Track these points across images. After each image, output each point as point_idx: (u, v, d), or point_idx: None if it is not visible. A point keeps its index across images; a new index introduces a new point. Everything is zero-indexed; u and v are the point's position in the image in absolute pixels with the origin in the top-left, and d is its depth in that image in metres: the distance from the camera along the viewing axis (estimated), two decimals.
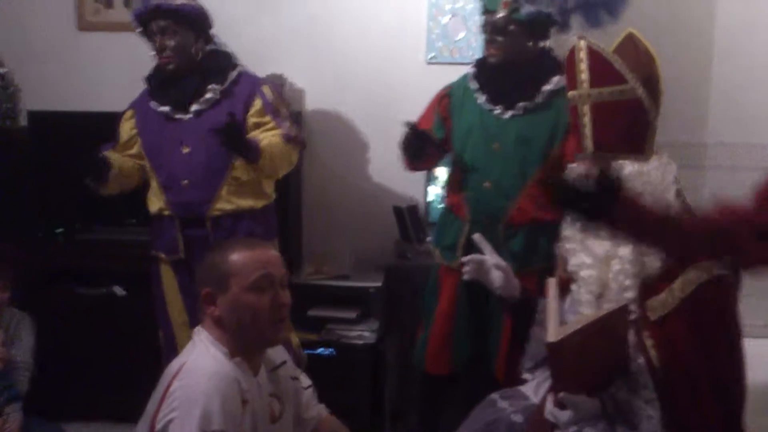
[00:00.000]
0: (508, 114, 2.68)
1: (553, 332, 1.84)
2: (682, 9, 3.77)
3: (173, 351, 2.66)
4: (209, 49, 2.79)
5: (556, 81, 2.65)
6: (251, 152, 2.65)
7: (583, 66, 1.96)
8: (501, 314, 2.67)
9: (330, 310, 3.27)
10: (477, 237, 2.31)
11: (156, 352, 3.06)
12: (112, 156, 2.81)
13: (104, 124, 3.36)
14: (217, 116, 2.67)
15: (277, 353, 1.97)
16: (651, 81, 1.97)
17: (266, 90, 2.79)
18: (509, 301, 2.26)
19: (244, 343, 1.81)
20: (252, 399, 1.78)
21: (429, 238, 3.22)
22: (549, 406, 1.89)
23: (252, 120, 2.75)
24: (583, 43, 1.96)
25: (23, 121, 3.57)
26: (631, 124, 1.98)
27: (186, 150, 2.73)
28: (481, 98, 2.71)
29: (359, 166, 3.52)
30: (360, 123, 3.52)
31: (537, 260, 2.69)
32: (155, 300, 2.92)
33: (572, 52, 1.98)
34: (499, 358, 2.74)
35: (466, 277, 2.28)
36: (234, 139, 2.60)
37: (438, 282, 2.83)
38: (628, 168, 1.96)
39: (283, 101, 2.85)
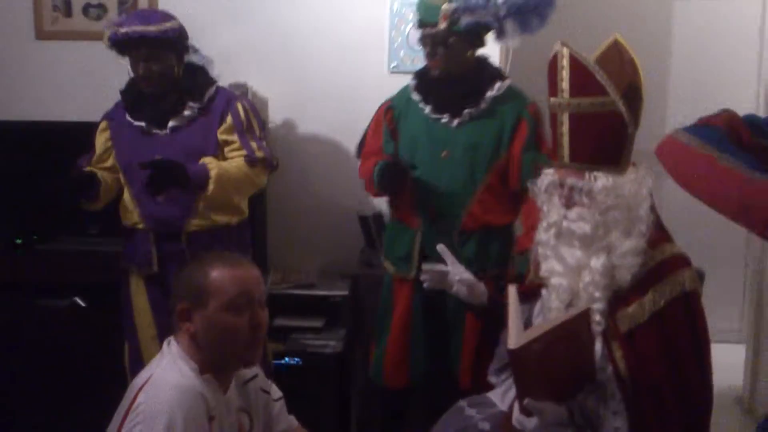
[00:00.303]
0: (455, 122, 2.70)
1: (514, 338, 1.83)
2: (639, 16, 3.85)
3: (140, 364, 2.62)
4: (187, 63, 2.77)
5: (498, 86, 2.71)
6: (193, 183, 2.61)
7: (565, 74, 1.93)
8: (460, 322, 2.70)
9: (296, 319, 3.25)
10: (441, 248, 2.32)
11: (118, 365, 3.02)
12: (94, 170, 2.77)
13: (62, 134, 3.36)
14: (193, 133, 2.69)
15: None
16: (632, 92, 1.95)
17: (239, 107, 2.77)
18: (477, 307, 2.27)
19: (218, 361, 1.78)
20: (219, 416, 1.76)
21: None
22: (516, 413, 1.90)
23: (221, 137, 2.74)
24: (565, 51, 1.93)
25: None
26: (609, 137, 1.96)
27: None
28: (426, 108, 2.73)
29: (324, 175, 3.51)
30: (324, 132, 3.52)
31: (490, 265, 2.73)
32: (123, 312, 2.88)
33: (554, 58, 1.96)
34: (462, 365, 2.76)
35: (426, 285, 2.29)
36: (164, 177, 2.58)
37: (391, 294, 2.84)
38: (601, 181, 1.94)
39: (257, 120, 2.82)
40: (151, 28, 2.62)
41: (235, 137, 2.73)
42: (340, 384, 3.23)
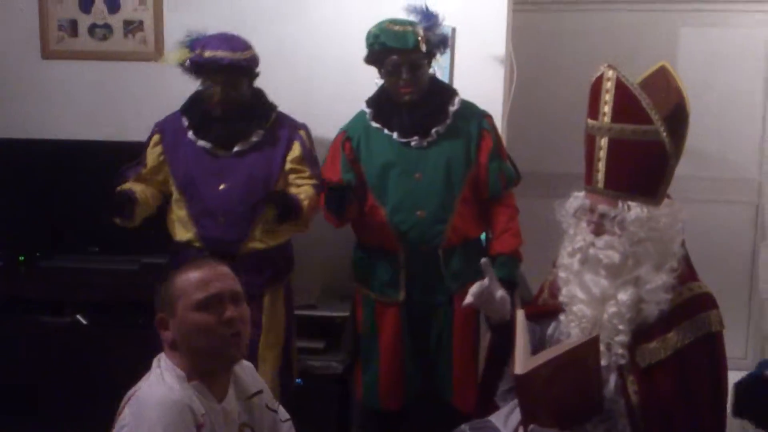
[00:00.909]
0: (425, 142, 2.73)
1: (521, 364, 1.83)
2: (645, 44, 3.87)
3: None
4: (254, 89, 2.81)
5: (457, 101, 2.78)
6: (294, 213, 2.69)
7: (608, 98, 1.87)
8: (448, 340, 2.74)
9: (297, 340, 3.24)
10: (485, 262, 2.19)
11: (118, 381, 3.01)
12: (135, 187, 2.77)
13: (67, 152, 3.38)
14: (257, 158, 2.73)
15: (253, 381, 1.95)
16: (677, 121, 1.89)
17: (304, 135, 2.83)
18: (499, 323, 2.20)
19: (201, 364, 1.79)
20: (211, 423, 1.76)
21: None
22: None
23: (290, 165, 2.79)
24: (612, 73, 1.88)
25: None
26: (648, 166, 1.90)
27: (223, 187, 2.72)
28: (394, 134, 2.74)
29: None
30: (326, 150, 3.50)
31: (471, 277, 2.71)
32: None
33: (599, 80, 1.90)
34: (454, 384, 2.78)
35: (467, 302, 2.18)
36: (285, 209, 2.67)
37: (375, 320, 2.84)
38: (635, 211, 1.90)
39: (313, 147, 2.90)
40: (237, 56, 2.66)
41: (305, 166, 2.79)
42: (340, 404, 3.23)
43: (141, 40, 3.51)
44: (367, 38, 2.70)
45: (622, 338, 1.92)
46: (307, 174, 2.79)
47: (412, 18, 2.73)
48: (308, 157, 2.82)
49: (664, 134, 1.85)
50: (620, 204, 1.91)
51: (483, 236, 2.94)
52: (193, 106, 2.82)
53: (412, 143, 2.73)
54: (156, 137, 2.85)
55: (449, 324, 2.78)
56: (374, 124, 2.78)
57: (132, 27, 3.49)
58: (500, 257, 2.71)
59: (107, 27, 3.51)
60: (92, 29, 3.53)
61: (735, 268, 4.10)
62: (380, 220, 2.76)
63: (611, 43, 3.85)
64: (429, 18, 2.73)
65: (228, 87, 2.68)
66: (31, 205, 3.39)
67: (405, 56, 2.64)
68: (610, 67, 1.89)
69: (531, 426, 1.84)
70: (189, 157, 2.77)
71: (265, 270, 2.79)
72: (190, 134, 2.77)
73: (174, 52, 2.76)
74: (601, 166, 1.91)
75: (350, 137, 2.82)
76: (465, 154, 2.75)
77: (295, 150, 2.80)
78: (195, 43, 2.72)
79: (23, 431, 3.15)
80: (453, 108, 2.76)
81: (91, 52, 3.53)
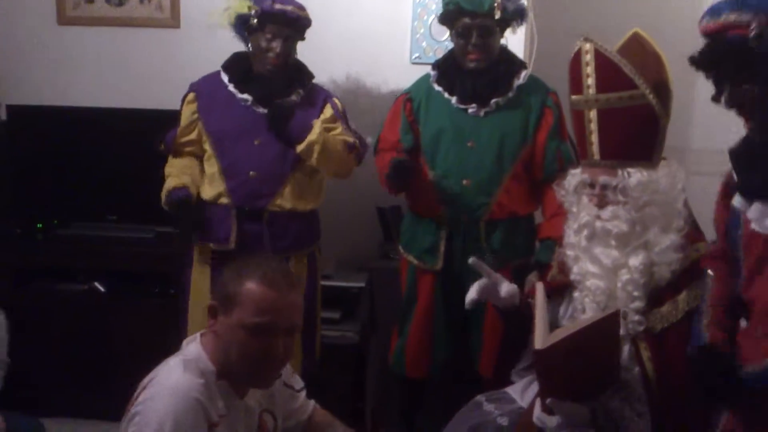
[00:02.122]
0: (482, 112, 2.69)
1: (540, 339, 1.81)
2: (668, 12, 3.79)
3: None
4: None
5: (524, 75, 2.71)
6: (295, 135, 2.67)
7: (590, 70, 1.90)
8: (481, 313, 2.68)
9: None
10: (473, 261, 2.18)
11: (135, 349, 3.04)
12: (182, 181, 2.75)
13: (82, 119, 3.38)
14: (294, 117, 2.71)
15: None
16: (660, 84, 1.92)
17: (336, 101, 2.86)
18: (508, 310, 2.21)
19: (232, 373, 1.74)
20: (229, 422, 1.74)
21: None
22: (537, 411, 1.89)
23: (322, 125, 2.80)
24: (589, 46, 1.90)
25: (2, 115, 3.51)
26: (640, 131, 1.92)
27: (257, 142, 2.73)
28: (452, 99, 2.71)
29: None
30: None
31: (513, 255, 2.73)
32: (179, 292, 2.89)
33: (577, 54, 1.93)
34: (483, 354, 2.76)
35: (470, 299, 2.19)
36: (279, 119, 2.66)
37: (416, 285, 2.83)
38: (636, 176, 1.91)
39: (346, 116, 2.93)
40: (301, 13, 2.73)
41: (337, 125, 2.79)
42: (356, 374, 3.24)
43: (157, 6, 3.49)
44: None
45: (637, 304, 1.92)
46: (338, 131, 2.79)
47: None
48: (340, 116, 2.85)
49: (651, 96, 1.88)
50: (620, 172, 1.92)
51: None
52: (234, 64, 2.83)
53: (470, 110, 2.69)
54: (191, 95, 2.84)
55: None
56: (436, 87, 2.75)
57: None
58: (547, 241, 2.65)
59: None
60: None
61: None
62: (428, 184, 2.74)
63: (634, 6, 3.77)
64: None
65: (289, 42, 2.72)
66: (48, 173, 3.39)
67: (477, 20, 2.59)
68: (586, 40, 1.91)
69: (549, 399, 1.83)
70: (226, 112, 2.78)
71: (289, 231, 2.80)
72: (231, 87, 2.78)
73: (233, 4, 2.73)
74: (594, 138, 1.93)
75: (412, 98, 2.80)
76: (522, 129, 2.70)
77: (327, 111, 2.83)
78: None
79: (40, 398, 3.18)
80: (518, 81, 2.70)
81: (107, 18, 3.52)
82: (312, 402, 2.08)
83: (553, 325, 2.05)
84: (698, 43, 1.69)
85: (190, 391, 1.68)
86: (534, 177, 2.74)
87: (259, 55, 2.73)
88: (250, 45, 2.77)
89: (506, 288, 2.16)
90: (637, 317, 1.92)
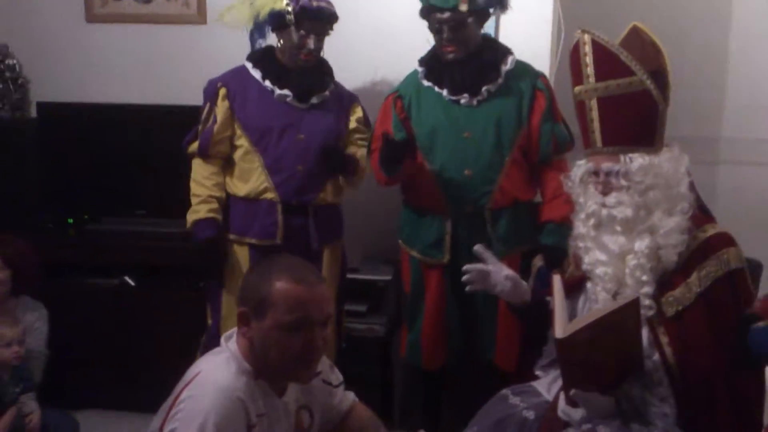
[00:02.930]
0: (475, 101, 2.69)
1: (560, 328, 1.81)
2: (699, 2, 3.73)
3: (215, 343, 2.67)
4: None
5: (510, 60, 2.73)
6: (350, 168, 2.81)
7: (589, 60, 1.95)
8: (493, 304, 2.68)
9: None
10: (478, 248, 2.21)
11: (164, 342, 3.07)
12: (215, 209, 2.82)
13: (112, 116, 3.41)
14: (329, 112, 2.82)
15: None
16: (659, 73, 1.96)
17: (359, 101, 2.97)
18: (519, 307, 2.21)
19: (271, 372, 1.76)
20: (268, 420, 1.75)
21: None
22: (561, 404, 1.88)
23: (354, 124, 2.91)
24: (587, 37, 1.95)
25: (32, 112, 3.56)
26: (640, 116, 1.96)
27: (301, 137, 2.78)
28: (443, 92, 2.72)
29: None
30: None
31: (519, 241, 2.74)
32: (211, 288, 2.91)
33: (576, 46, 1.98)
34: (497, 343, 2.76)
35: (469, 289, 2.20)
36: (335, 161, 2.79)
37: (422, 280, 2.83)
38: (638, 161, 1.93)
39: None
40: (333, 9, 2.77)
41: (365, 129, 2.90)
42: (383, 366, 3.25)
43: (184, 3, 3.52)
44: None
45: (647, 289, 1.93)
46: (365, 136, 2.88)
47: None
48: (367, 121, 2.93)
49: (648, 82, 1.92)
50: (622, 158, 1.95)
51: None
52: (265, 59, 2.84)
53: (462, 101, 2.70)
54: (222, 91, 2.83)
55: None
56: (425, 83, 2.76)
57: None
58: (549, 224, 2.67)
59: None
60: None
61: None
62: (428, 178, 2.74)
63: (664, 5, 3.72)
64: None
65: (321, 37, 2.77)
66: (78, 170, 3.43)
67: (446, 14, 2.61)
68: (584, 31, 1.96)
69: (573, 391, 1.82)
70: (261, 107, 2.80)
71: (328, 225, 2.87)
72: (267, 84, 2.80)
73: (260, 1, 2.76)
74: (596, 126, 1.97)
75: (402, 96, 2.81)
76: (516, 114, 2.71)
77: (358, 111, 2.92)
78: None
79: (71, 391, 3.22)
80: (506, 67, 2.71)
81: (135, 15, 3.55)
82: (351, 396, 2.08)
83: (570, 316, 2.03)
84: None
85: (235, 390, 1.70)
86: (530, 160, 2.76)
87: (291, 50, 2.75)
88: (280, 41, 2.78)
89: (505, 273, 2.16)
90: (647, 302, 1.92)
